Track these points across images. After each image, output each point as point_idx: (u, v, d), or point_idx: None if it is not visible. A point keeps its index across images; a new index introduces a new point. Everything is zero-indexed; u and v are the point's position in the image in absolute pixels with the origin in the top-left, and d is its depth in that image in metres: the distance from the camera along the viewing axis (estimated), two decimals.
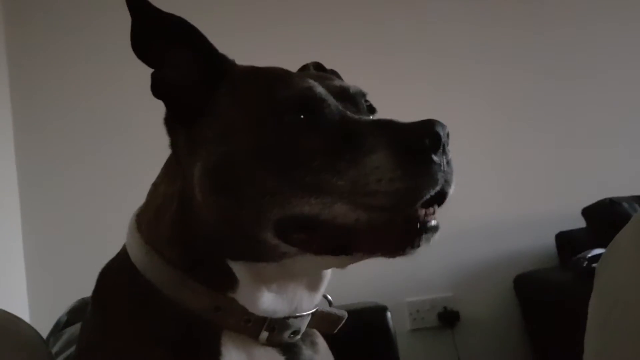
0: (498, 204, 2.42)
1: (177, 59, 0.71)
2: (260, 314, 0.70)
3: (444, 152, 0.62)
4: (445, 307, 2.34)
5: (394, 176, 0.59)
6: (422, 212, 0.61)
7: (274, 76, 0.70)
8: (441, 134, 0.60)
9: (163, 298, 0.69)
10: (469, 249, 2.38)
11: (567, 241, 2.31)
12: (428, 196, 0.60)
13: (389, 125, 0.63)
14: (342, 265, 0.69)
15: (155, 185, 0.78)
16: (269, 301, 0.70)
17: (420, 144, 0.60)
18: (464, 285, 2.37)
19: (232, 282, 0.69)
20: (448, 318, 2.33)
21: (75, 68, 2.30)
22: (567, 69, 2.65)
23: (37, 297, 2.07)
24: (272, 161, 0.64)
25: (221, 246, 0.68)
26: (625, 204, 2.00)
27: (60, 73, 2.30)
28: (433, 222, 0.62)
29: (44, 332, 0.80)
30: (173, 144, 0.75)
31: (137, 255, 0.72)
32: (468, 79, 2.58)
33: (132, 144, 2.21)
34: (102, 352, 0.70)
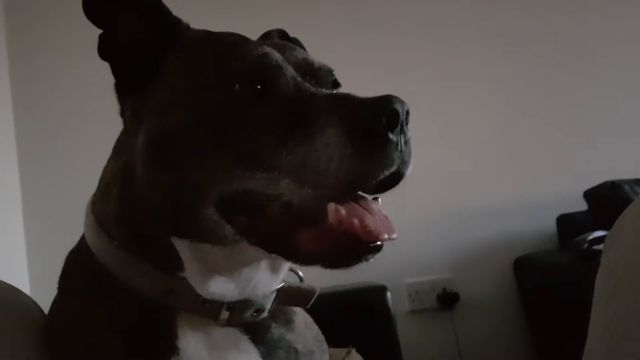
0: (499, 186, 2.42)
1: (126, 20, 0.66)
2: (210, 296, 0.66)
3: (402, 131, 0.58)
4: (444, 289, 2.34)
5: (344, 155, 0.55)
6: (364, 229, 0.57)
7: (227, 42, 0.65)
8: (399, 111, 0.57)
9: (116, 282, 0.67)
10: (469, 231, 2.39)
11: (568, 224, 2.30)
12: (381, 177, 0.57)
13: (345, 100, 0.59)
14: (275, 258, 0.65)
15: (105, 166, 0.75)
16: (216, 285, 0.67)
17: (376, 122, 0.56)
18: (464, 267, 2.37)
19: (178, 262, 0.66)
20: (447, 299, 2.33)
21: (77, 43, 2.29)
22: (569, 52, 2.63)
23: (38, 275, 2.08)
24: (215, 133, 0.60)
25: (165, 223, 0.65)
26: (626, 187, 2.00)
27: (61, 47, 2.29)
28: (378, 243, 0.58)
29: (45, 307, 0.79)
30: (121, 114, 0.71)
31: (90, 237, 0.70)
32: (469, 62, 2.56)
33: None
34: (59, 338, 0.70)
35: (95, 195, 0.75)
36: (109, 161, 0.74)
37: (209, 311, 0.68)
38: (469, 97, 2.49)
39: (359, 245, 0.57)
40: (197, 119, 0.61)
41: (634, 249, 0.59)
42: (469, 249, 2.38)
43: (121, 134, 0.74)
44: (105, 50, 0.67)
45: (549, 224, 2.38)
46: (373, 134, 0.56)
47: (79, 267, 0.73)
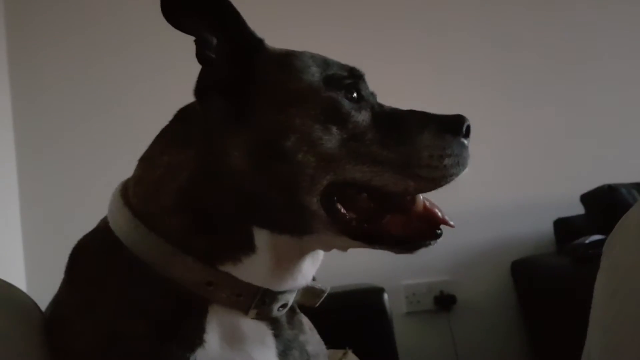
0: (497, 189, 2.42)
1: (214, 29, 0.72)
2: (261, 285, 0.70)
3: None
4: (441, 291, 2.34)
5: (443, 154, 0.70)
6: (442, 216, 0.72)
7: (318, 56, 0.76)
8: (469, 124, 0.74)
9: (150, 273, 0.68)
10: (467, 234, 2.39)
11: (565, 227, 2.31)
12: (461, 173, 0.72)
13: (426, 113, 0.75)
14: (346, 248, 0.74)
15: (148, 159, 0.76)
16: (276, 273, 0.71)
17: (461, 130, 0.73)
18: (461, 270, 2.37)
19: (247, 248, 0.69)
20: (444, 302, 2.33)
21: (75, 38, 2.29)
22: (568, 55, 2.64)
23: (35, 268, 2.08)
24: (331, 131, 0.69)
25: (254, 213, 0.69)
26: (623, 191, 2.00)
27: (61, 45, 2.29)
28: (440, 231, 0.72)
29: (42, 303, 0.79)
30: (206, 114, 0.74)
31: (125, 230, 0.71)
32: (467, 63, 2.57)
33: (132, 114, 2.21)
34: (69, 330, 0.69)
35: (128, 190, 0.75)
36: (155, 157, 0.75)
37: (242, 304, 0.70)
38: (466, 99, 2.49)
39: (432, 231, 0.71)
40: (311, 116, 0.69)
41: (636, 252, 0.59)
42: (466, 251, 2.38)
43: (173, 131, 0.76)
44: (204, 55, 0.72)
45: (546, 228, 2.39)
46: (459, 139, 0.73)
47: (103, 258, 0.72)
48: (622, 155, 2.52)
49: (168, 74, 2.28)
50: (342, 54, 0.86)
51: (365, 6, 2.54)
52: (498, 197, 2.43)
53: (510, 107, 2.56)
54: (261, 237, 0.69)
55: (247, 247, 0.69)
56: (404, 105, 0.78)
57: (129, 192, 0.75)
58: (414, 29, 2.56)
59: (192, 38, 0.72)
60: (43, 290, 0.79)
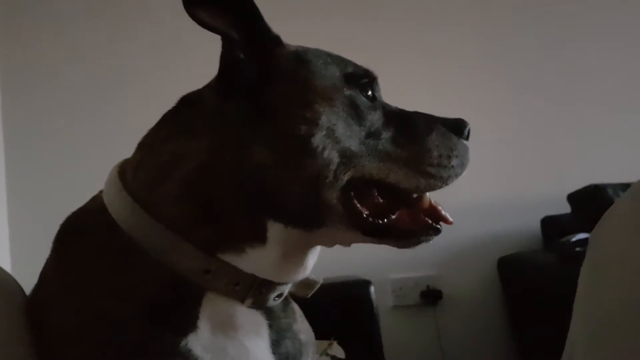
0: (485, 186, 2.43)
1: (236, 26, 0.72)
2: (263, 277, 0.71)
3: None
4: (428, 286, 2.36)
5: (451, 154, 0.76)
6: (444, 214, 0.76)
7: (333, 54, 0.79)
8: (470, 128, 0.81)
9: (145, 257, 0.68)
10: (455, 229, 2.34)
11: (552, 225, 2.32)
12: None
13: (432, 116, 0.80)
14: (350, 243, 0.76)
15: (151, 145, 0.75)
16: (281, 266, 0.72)
17: (464, 132, 0.79)
18: (448, 265, 2.39)
19: (257, 240, 0.70)
20: (431, 296, 2.35)
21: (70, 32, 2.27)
22: (555, 54, 2.65)
23: (19, 248, 2.07)
24: (353, 128, 0.72)
25: (272, 206, 0.69)
26: (610, 191, 2.02)
27: (51, 43, 2.27)
28: (439, 226, 0.76)
29: (27, 282, 0.78)
30: (227, 108, 0.73)
31: (122, 213, 0.71)
32: (457, 62, 2.57)
33: (122, 113, 2.21)
34: (56, 307, 0.68)
35: (127, 172, 0.74)
36: (159, 143, 0.74)
37: (239, 293, 0.70)
38: (454, 98, 2.50)
39: (435, 226, 0.74)
40: (335, 113, 0.72)
41: (622, 242, 0.60)
42: (453, 247, 2.39)
43: (181, 119, 0.76)
44: (231, 55, 0.73)
45: (534, 225, 2.41)
46: (463, 140, 0.79)
47: (93, 235, 0.72)
48: (609, 155, 2.54)
49: (161, 74, 2.28)
50: (335, 43, 0.87)
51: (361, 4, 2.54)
52: (486, 194, 2.45)
53: (500, 104, 2.57)
54: (274, 230, 0.70)
55: (257, 238, 0.70)
56: (392, 101, 0.80)
57: (127, 175, 0.74)
58: (407, 29, 2.56)
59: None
60: (28, 275, 0.79)
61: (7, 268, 1.91)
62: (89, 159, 2.14)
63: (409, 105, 0.82)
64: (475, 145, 0.79)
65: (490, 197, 2.46)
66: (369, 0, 2.56)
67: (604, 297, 0.59)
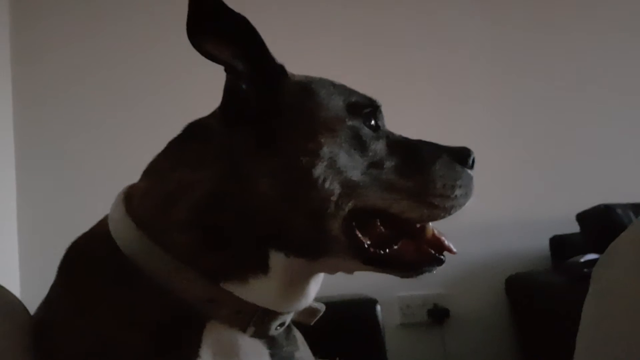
0: (494, 205, 2.42)
1: (241, 57, 0.73)
2: (266, 306, 0.70)
3: None
4: (435, 304, 2.34)
5: (455, 184, 0.75)
6: (447, 244, 0.76)
7: (337, 83, 0.79)
8: (474, 157, 0.80)
9: (150, 284, 0.68)
10: (462, 248, 2.33)
11: (561, 245, 2.31)
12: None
13: (437, 145, 0.79)
14: (353, 271, 0.76)
15: (157, 173, 0.76)
16: (283, 295, 0.71)
17: (469, 161, 0.79)
18: (456, 283, 2.37)
19: (260, 270, 0.69)
20: (438, 315, 2.33)
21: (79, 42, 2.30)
22: (565, 73, 2.65)
23: (29, 274, 2.07)
24: (355, 158, 0.72)
25: (274, 236, 0.69)
26: (619, 211, 2.00)
27: (64, 50, 2.30)
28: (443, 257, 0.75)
29: (35, 302, 0.78)
30: (230, 139, 0.74)
31: (127, 239, 0.71)
32: (466, 80, 2.58)
33: (133, 120, 2.22)
34: (62, 333, 0.68)
35: (133, 199, 0.75)
36: (166, 171, 0.74)
37: (241, 322, 0.70)
38: (464, 115, 2.51)
39: (438, 257, 0.74)
40: (339, 144, 0.72)
41: (628, 276, 0.59)
42: (462, 265, 2.38)
43: (188, 148, 0.76)
44: (236, 86, 0.73)
45: (542, 244, 2.39)
46: (467, 170, 0.78)
47: (101, 264, 0.72)
48: (618, 175, 2.53)
49: (171, 80, 2.30)
50: (336, 63, 0.87)
51: (366, 24, 2.56)
52: (495, 213, 2.43)
53: (508, 123, 2.57)
54: (276, 260, 0.70)
55: (260, 268, 0.70)
56: (403, 122, 0.80)
57: (133, 202, 0.74)
58: (415, 47, 2.57)
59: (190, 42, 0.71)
60: (37, 293, 0.79)
61: (17, 285, 1.93)
62: (100, 179, 2.16)
63: (418, 126, 0.82)
64: (484, 163, 0.79)
65: (499, 216, 2.45)
66: (373, 21, 2.58)
67: (607, 335, 0.59)
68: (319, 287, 0.78)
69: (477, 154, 0.80)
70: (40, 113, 2.26)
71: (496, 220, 2.44)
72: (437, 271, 0.76)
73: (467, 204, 0.76)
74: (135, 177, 0.79)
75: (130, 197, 0.75)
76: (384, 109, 0.80)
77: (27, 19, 2.31)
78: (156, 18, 2.36)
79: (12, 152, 2.19)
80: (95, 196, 2.14)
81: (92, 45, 2.32)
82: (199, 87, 0.82)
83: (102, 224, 0.76)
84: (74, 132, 2.26)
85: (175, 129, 0.79)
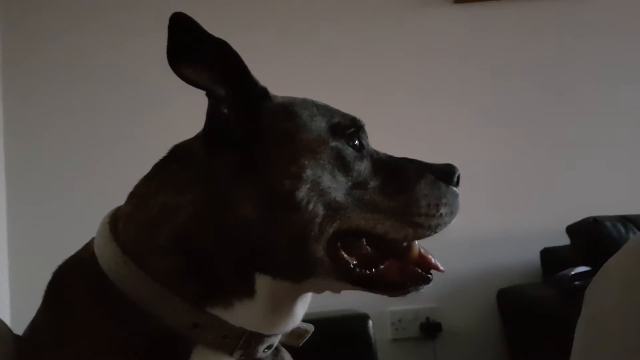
0: (484, 218, 2.42)
1: (222, 81, 0.72)
2: (252, 330, 0.70)
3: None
4: (427, 318, 2.34)
5: (439, 203, 0.75)
6: (434, 262, 0.75)
7: (320, 104, 0.79)
8: (459, 174, 0.80)
9: (134, 310, 0.67)
10: (454, 261, 2.37)
11: (551, 257, 2.31)
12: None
13: (421, 162, 0.80)
14: (339, 291, 0.75)
15: (141, 197, 0.75)
16: (270, 318, 0.71)
17: (453, 179, 0.79)
18: (448, 297, 2.37)
19: (244, 293, 0.69)
20: (430, 329, 2.33)
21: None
22: (551, 86, 2.66)
23: (19, 289, 2.05)
24: (338, 180, 0.72)
25: (259, 260, 0.69)
26: (608, 224, 2.01)
27: (54, 50, 2.29)
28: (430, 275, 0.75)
29: (25, 322, 0.77)
30: (211, 163, 0.73)
31: (111, 264, 0.70)
32: (454, 94, 2.59)
33: (127, 126, 2.21)
34: (57, 355, 0.68)
35: (117, 223, 0.74)
36: (149, 196, 0.74)
37: (227, 346, 0.69)
38: (453, 129, 2.52)
39: (425, 276, 0.74)
40: (321, 167, 0.71)
41: (615, 303, 0.59)
42: (453, 279, 2.37)
43: (171, 173, 0.75)
44: (218, 112, 0.73)
45: (533, 257, 2.39)
46: (452, 188, 0.78)
47: (85, 288, 0.71)
48: (608, 188, 2.54)
49: (165, 81, 2.29)
50: (319, 85, 0.88)
51: (348, 40, 2.57)
52: (485, 226, 2.44)
53: (497, 136, 2.58)
54: (262, 283, 0.69)
55: (245, 292, 0.69)
56: (391, 135, 0.80)
57: (118, 226, 0.73)
58: (402, 60, 2.59)
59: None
60: (27, 312, 0.78)
61: (6, 309, 1.91)
62: (91, 195, 2.15)
63: (405, 141, 0.82)
64: (474, 177, 0.79)
65: (490, 229, 2.45)
66: (364, 40, 2.59)
67: (601, 350, 0.59)
68: (308, 305, 0.78)
69: (466, 168, 0.81)
70: (31, 116, 2.25)
71: (487, 234, 2.44)
72: (429, 286, 0.75)
73: (452, 222, 0.76)
74: (129, 177, 0.79)
75: (116, 221, 0.74)
76: (367, 125, 0.80)
77: (16, 20, 2.31)
78: (148, 14, 2.34)
79: (2, 155, 2.17)
80: (87, 198, 2.15)
81: (83, 45, 2.31)
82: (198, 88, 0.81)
83: (88, 248, 0.75)
84: (65, 132, 2.26)
85: (171, 129, 0.78)
